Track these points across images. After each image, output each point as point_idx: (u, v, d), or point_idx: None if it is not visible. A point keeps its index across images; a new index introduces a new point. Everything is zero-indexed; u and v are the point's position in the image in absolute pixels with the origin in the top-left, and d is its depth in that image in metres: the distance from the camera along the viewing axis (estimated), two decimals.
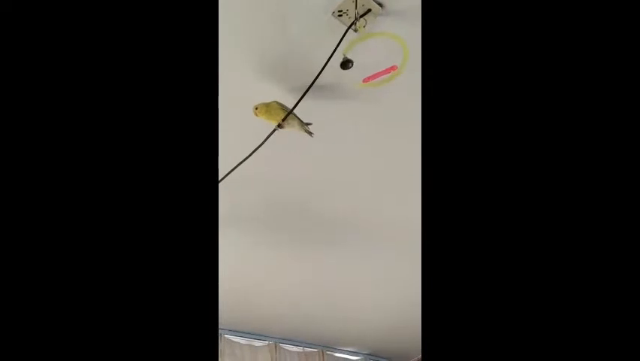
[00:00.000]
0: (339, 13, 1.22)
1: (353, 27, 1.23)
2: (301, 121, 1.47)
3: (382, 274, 2.48)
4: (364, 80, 1.37)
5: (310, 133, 1.51)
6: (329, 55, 1.26)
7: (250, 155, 1.49)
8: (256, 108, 1.42)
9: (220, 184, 1.50)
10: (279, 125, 1.42)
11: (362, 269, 2.44)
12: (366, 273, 2.47)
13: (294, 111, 1.41)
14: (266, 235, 2.15)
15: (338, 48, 1.26)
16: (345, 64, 1.29)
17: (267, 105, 1.42)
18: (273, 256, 2.30)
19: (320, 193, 1.91)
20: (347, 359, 3.63)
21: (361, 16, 1.21)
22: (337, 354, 3.57)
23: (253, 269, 2.38)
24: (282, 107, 1.42)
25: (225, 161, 1.46)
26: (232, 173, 1.49)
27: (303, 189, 1.88)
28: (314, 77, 1.30)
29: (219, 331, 3.00)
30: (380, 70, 1.34)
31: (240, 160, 1.50)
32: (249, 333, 3.14)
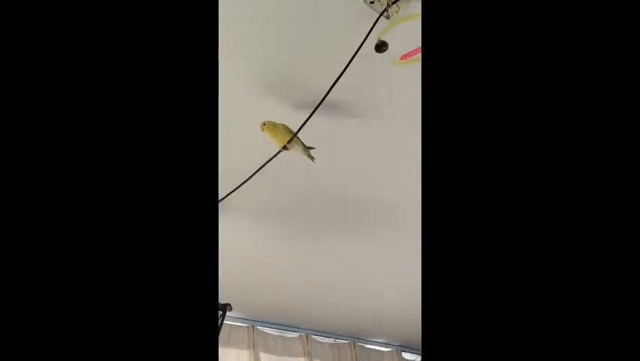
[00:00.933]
0: (371, 0, 1.21)
1: (385, 14, 1.22)
2: (304, 145, 1.49)
3: (414, 265, 2.47)
4: (401, 58, 1.34)
5: (312, 158, 1.54)
6: (360, 43, 1.25)
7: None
8: (264, 124, 1.45)
9: (255, 176, 1.51)
10: (284, 148, 1.46)
11: (394, 260, 2.43)
12: (398, 264, 2.46)
13: (298, 135, 1.44)
14: (298, 227, 2.15)
15: (369, 36, 1.24)
16: (380, 47, 1.27)
17: (275, 125, 1.45)
18: (304, 248, 2.30)
19: (353, 182, 1.90)
20: (378, 350, 3.63)
21: (394, 2, 1.20)
22: (369, 346, 3.57)
23: (285, 261, 2.39)
24: (289, 130, 1.44)
25: (250, 163, 1.48)
26: (268, 164, 1.49)
27: (335, 179, 1.88)
28: (345, 66, 1.29)
29: (252, 323, 3.03)
30: (417, 46, 1.32)
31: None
32: (280, 325, 3.16)
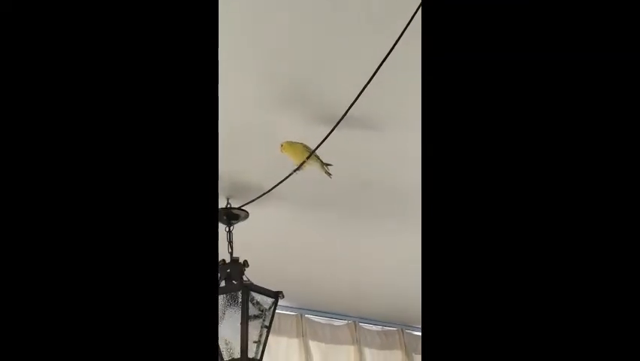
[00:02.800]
0: None
1: None
2: (322, 162, 1.58)
3: None
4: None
5: (329, 174, 1.63)
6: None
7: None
8: (282, 146, 1.55)
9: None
10: (299, 169, 1.57)
11: None
12: None
13: (317, 153, 1.55)
14: (346, 215, 2.15)
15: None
16: None
17: (293, 145, 1.55)
18: (353, 236, 2.31)
19: (404, 171, 1.88)
20: None
21: None
22: (417, 333, 3.55)
23: (332, 249, 2.40)
24: (307, 148, 1.54)
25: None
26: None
27: (386, 167, 1.87)
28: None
29: (300, 311, 3.05)
30: None
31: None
32: (329, 313, 3.17)
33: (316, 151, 1.54)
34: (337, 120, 1.39)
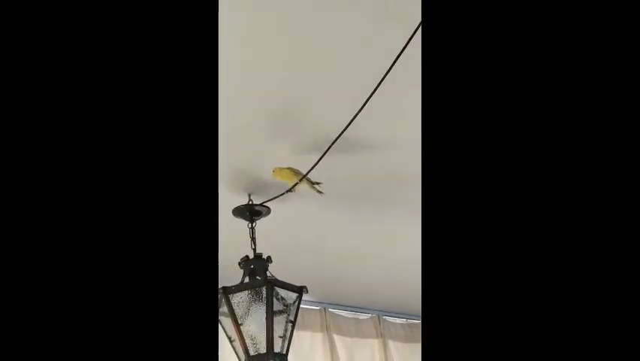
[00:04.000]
0: None
1: None
2: (312, 182, 1.68)
3: None
4: None
5: (320, 192, 1.72)
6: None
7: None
8: (273, 171, 1.68)
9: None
10: (291, 190, 1.71)
11: None
12: None
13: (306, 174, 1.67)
14: (369, 209, 2.15)
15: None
16: None
17: (282, 171, 1.68)
18: (375, 229, 2.31)
19: (411, 159, 1.87)
20: None
21: None
22: None
23: (355, 243, 2.40)
24: (294, 172, 1.67)
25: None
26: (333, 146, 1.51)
27: (397, 155, 1.86)
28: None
29: (323, 305, 3.06)
30: None
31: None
32: (353, 307, 3.18)
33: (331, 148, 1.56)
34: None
